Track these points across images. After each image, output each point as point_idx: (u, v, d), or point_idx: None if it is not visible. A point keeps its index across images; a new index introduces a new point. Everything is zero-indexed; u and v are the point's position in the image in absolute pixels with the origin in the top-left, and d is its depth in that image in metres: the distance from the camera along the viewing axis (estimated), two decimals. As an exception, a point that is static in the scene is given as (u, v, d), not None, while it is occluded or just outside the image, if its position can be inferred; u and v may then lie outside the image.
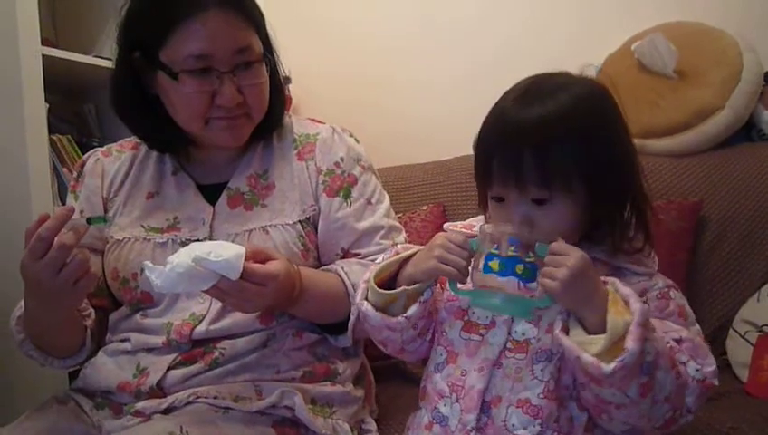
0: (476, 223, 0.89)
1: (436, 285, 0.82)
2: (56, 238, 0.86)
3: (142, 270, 1.01)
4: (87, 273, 0.89)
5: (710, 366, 0.73)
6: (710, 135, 1.52)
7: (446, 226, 0.89)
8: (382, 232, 1.08)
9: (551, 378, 0.74)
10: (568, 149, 0.73)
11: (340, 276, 1.02)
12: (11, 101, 1.53)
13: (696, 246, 1.41)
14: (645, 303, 0.72)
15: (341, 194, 1.08)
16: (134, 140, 1.15)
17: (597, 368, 0.65)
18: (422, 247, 0.81)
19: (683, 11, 1.65)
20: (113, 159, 1.14)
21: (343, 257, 1.08)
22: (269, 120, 1.08)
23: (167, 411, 0.95)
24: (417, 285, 0.79)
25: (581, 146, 0.74)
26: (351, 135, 1.15)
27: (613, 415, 0.71)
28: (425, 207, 1.62)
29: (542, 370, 0.75)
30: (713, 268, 1.38)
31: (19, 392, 1.54)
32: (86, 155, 1.18)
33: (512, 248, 0.71)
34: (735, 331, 1.28)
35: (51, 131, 1.62)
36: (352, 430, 1.01)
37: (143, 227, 1.07)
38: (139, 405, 0.96)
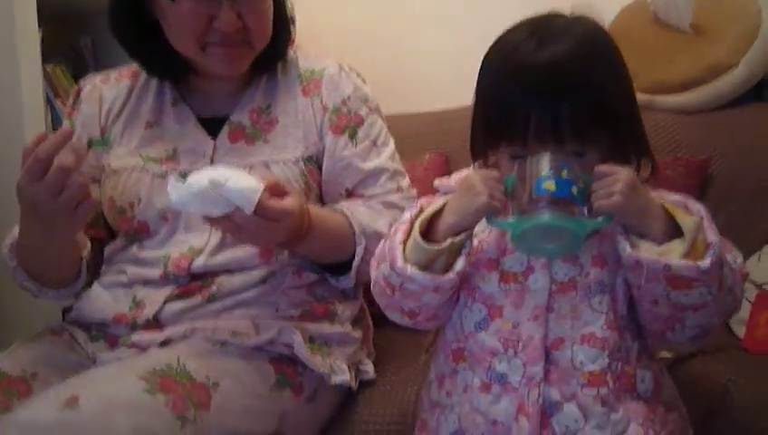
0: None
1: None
2: (56, 159, 0.83)
3: (140, 199, 0.99)
4: (87, 197, 0.86)
5: (739, 256, 0.76)
6: (723, 92, 1.49)
7: (436, 183, 0.86)
8: (387, 174, 1.06)
9: (609, 309, 0.74)
10: (599, 96, 0.72)
11: (345, 216, 1.00)
12: (3, 30, 1.47)
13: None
14: None
15: (347, 133, 1.05)
16: (133, 67, 1.11)
17: (694, 268, 0.66)
18: (449, 197, 0.78)
19: (704, -37, 1.60)
20: (111, 86, 1.11)
21: (347, 198, 1.06)
22: (272, 50, 1.04)
23: (163, 344, 0.94)
24: (463, 234, 0.74)
25: (607, 89, 0.73)
26: (358, 75, 1.13)
27: (687, 322, 0.72)
28: (427, 156, 1.59)
29: (599, 302, 0.74)
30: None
31: (12, 325, 1.53)
32: (82, 81, 1.14)
33: (564, 172, 0.69)
34: (735, 289, 1.28)
35: (44, 62, 1.58)
36: (350, 370, 1.01)
37: (141, 156, 1.04)
38: (135, 337, 0.95)
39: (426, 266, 0.74)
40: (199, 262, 0.97)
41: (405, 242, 0.75)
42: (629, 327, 0.76)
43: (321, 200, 1.07)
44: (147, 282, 0.99)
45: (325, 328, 1.01)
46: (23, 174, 0.84)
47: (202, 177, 0.79)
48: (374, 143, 1.08)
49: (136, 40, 1.03)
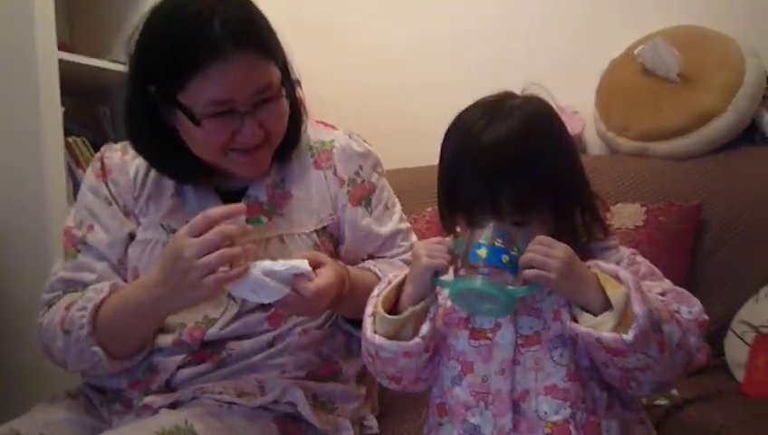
0: None
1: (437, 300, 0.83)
2: (220, 225, 0.87)
3: None
4: (231, 268, 0.88)
5: (696, 305, 0.79)
6: (712, 139, 1.54)
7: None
8: (401, 235, 1.13)
9: (570, 361, 0.78)
10: (540, 175, 0.78)
11: (373, 272, 1.04)
12: (28, 105, 1.58)
13: (696, 248, 1.42)
14: None
15: (363, 203, 1.10)
16: None
17: (619, 341, 0.70)
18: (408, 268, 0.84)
19: (686, 15, 1.67)
20: (132, 156, 1.12)
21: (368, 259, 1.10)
22: (287, 141, 1.07)
23: (173, 406, 0.98)
24: (422, 302, 0.80)
25: (547, 165, 0.79)
26: (365, 140, 1.17)
27: (640, 379, 0.75)
28: (429, 209, 1.64)
29: (560, 355, 0.78)
30: (713, 270, 1.39)
31: (30, 386, 1.57)
32: (103, 149, 1.15)
33: (499, 241, 0.76)
34: (733, 332, 1.29)
35: (66, 134, 1.68)
36: (354, 426, 1.04)
37: (163, 227, 1.06)
38: (148, 399, 0.99)
39: (395, 334, 0.80)
40: (212, 331, 1.01)
41: (375, 314, 0.82)
42: (596, 378, 0.79)
43: None
44: (160, 349, 1.03)
45: (329, 386, 1.05)
46: (186, 226, 0.89)
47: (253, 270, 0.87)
48: (386, 207, 1.13)
49: (154, 150, 1.04)
